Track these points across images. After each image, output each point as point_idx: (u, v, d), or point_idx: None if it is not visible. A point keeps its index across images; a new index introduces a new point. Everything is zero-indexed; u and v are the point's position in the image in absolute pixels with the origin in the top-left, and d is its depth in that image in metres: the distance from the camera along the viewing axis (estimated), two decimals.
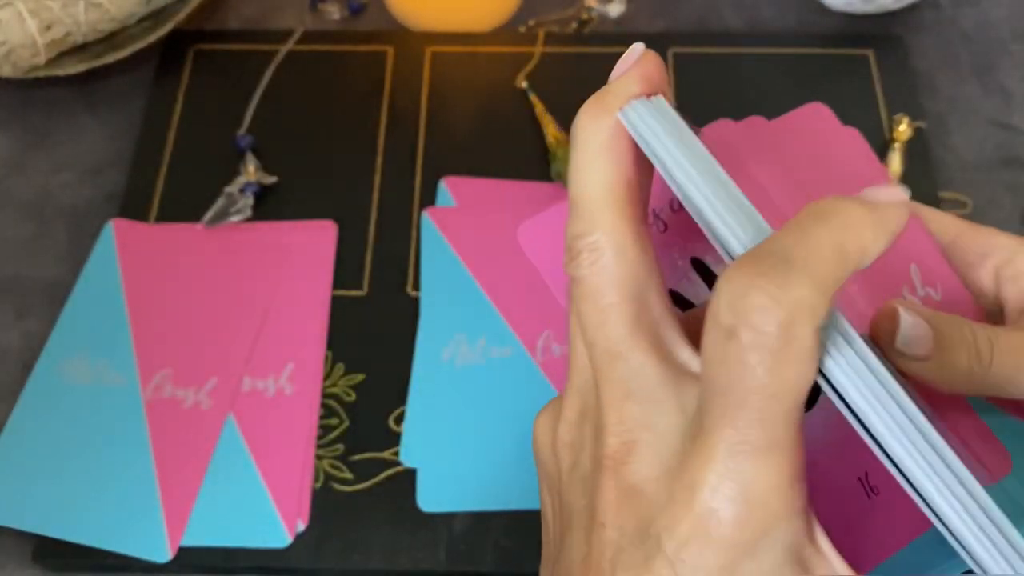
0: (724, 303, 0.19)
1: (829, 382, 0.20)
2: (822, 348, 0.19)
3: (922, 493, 0.19)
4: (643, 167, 0.23)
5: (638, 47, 0.24)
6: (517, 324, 0.45)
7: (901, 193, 0.21)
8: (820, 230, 0.19)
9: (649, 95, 0.23)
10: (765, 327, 0.18)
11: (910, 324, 0.22)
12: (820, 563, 0.21)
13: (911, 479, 0.19)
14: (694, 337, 0.21)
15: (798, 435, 0.20)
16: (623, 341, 0.21)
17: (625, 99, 0.23)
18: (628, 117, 0.22)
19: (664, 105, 0.22)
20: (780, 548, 0.20)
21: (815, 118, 0.30)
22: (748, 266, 0.19)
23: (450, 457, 0.42)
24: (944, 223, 0.28)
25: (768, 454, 0.19)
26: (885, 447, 0.19)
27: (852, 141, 0.30)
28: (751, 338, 0.18)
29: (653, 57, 0.24)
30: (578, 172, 0.22)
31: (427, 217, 0.48)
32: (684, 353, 0.22)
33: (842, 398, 0.20)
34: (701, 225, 0.21)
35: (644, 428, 0.21)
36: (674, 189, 0.21)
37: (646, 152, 0.22)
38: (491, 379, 0.44)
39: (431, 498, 0.41)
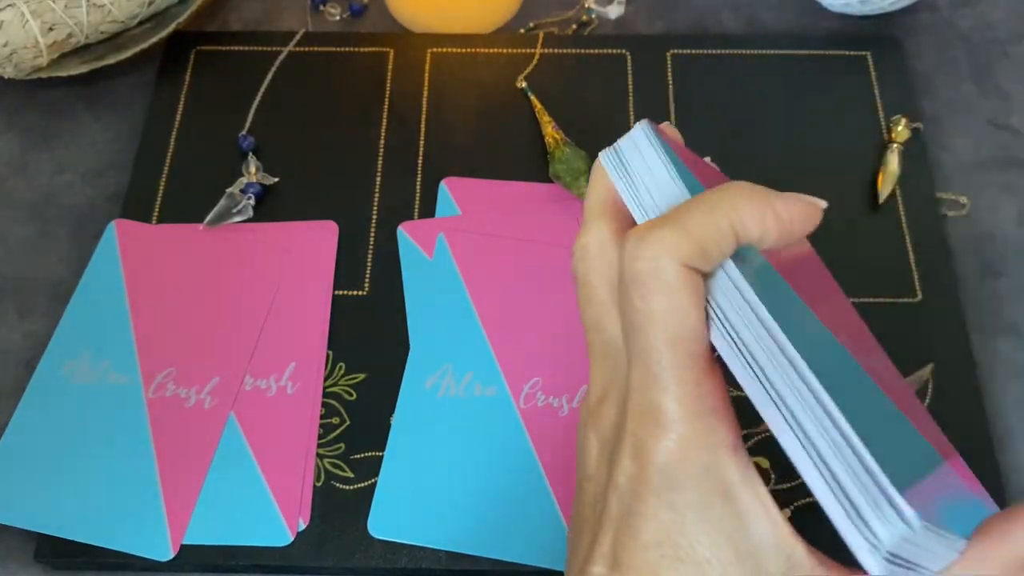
0: (622, 251, 0.24)
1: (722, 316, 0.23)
2: (702, 291, 0.23)
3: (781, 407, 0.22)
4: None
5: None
6: (507, 365, 0.44)
7: (811, 200, 0.25)
8: (705, 197, 0.24)
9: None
10: (636, 263, 0.23)
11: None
12: (751, 500, 0.22)
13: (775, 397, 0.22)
14: None
15: (703, 368, 0.23)
16: (602, 315, 0.26)
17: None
18: (602, 158, 0.28)
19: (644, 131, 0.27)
20: (704, 478, 0.22)
21: None
22: (643, 224, 0.24)
23: (408, 486, 0.41)
24: None
25: (668, 384, 0.23)
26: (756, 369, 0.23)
27: None
28: (628, 275, 0.23)
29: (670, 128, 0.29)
30: (585, 198, 0.28)
31: (403, 232, 0.48)
32: None
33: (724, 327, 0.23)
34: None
35: (612, 384, 0.26)
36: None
37: (616, 183, 0.27)
38: (467, 416, 0.43)
39: (381, 523, 0.40)
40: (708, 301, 0.23)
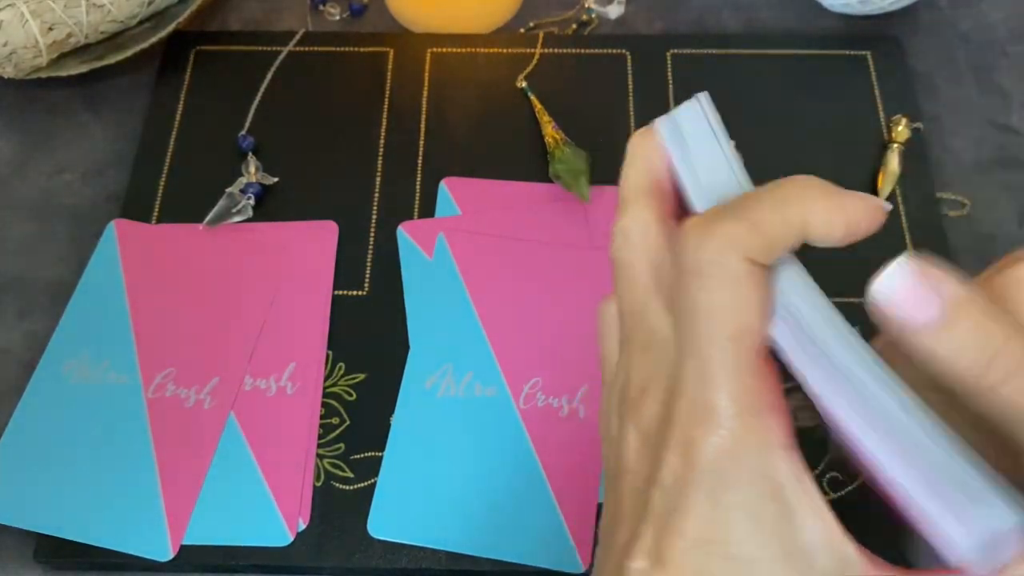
0: (680, 242, 0.23)
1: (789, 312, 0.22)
2: (767, 286, 0.22)
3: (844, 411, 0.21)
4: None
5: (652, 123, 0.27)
6: (507, 365, 0.44)
7: (878, 201, 0.24)
8: (773, 188, 0.23)
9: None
10: (700, 254, 0.22)
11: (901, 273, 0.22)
12: (801, 502, 0.22)
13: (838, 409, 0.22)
14: None
15: (760, 366, 0.22)
16: (645, 301, 0.25)
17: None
18: (662, 123, 0.26)
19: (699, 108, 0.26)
20: (754, 478, 0.22)
21: None
22: (705, 214, 0.23)
23: (408, 486, 0.41)
24: None
25: (724, 382, 0.22)
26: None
27: None
28: (690, 267, 0.22)
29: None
30: (622, 179, 0.27)
31: (403, 232, 0.48)
32: None
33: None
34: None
35: (655, 377, 0.24)
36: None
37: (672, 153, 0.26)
38: (467, 417, 0.42)
39: (380, 524, 0.40)
40: (772, 294, 0.23)
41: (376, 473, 0.42)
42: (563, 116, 0.51)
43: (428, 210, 0.49)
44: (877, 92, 0.52)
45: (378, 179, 0.50)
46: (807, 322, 0.22)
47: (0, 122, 0.54)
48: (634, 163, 0.26)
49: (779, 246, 0.22)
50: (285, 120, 0.52)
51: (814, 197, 0.23)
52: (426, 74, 0.54)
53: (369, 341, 0.45)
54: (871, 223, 0.23)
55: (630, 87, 0.53)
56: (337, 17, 0.57)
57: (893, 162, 0.49)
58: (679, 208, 0.26)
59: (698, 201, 0.25)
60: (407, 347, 0.45)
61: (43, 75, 0.52)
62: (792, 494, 0.22)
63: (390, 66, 0.54)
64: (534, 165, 0.50)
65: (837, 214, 0.23)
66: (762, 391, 0.22)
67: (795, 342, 0.22)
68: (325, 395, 0.44)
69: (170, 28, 0.53)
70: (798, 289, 0.23)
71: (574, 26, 0.57)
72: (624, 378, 0.26)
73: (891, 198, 0.48)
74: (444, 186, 0.50)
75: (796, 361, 0.22)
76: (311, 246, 0.48)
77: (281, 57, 0.54)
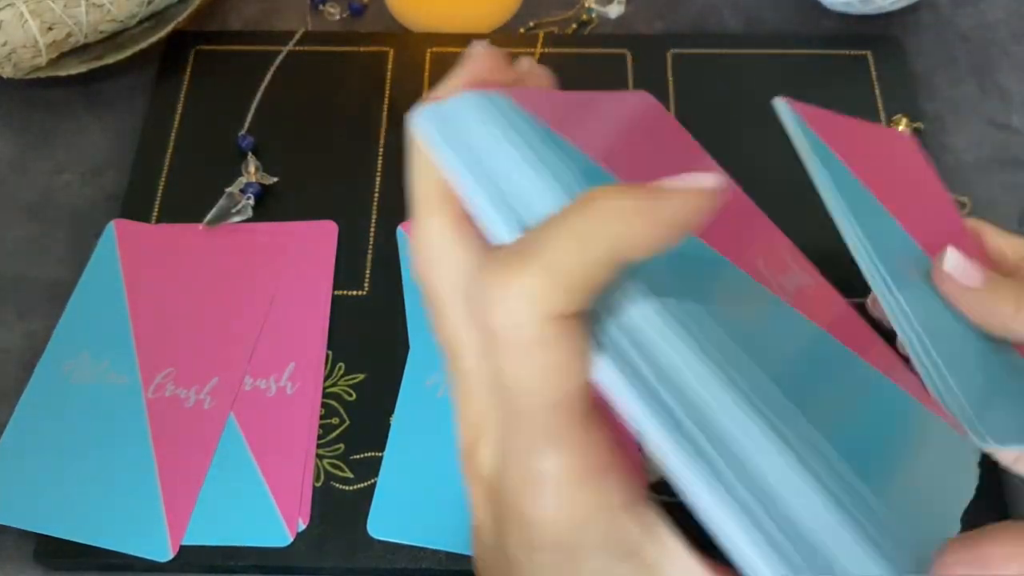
0: (480, 297, 0.19)
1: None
2: (584, 337, 0.19)
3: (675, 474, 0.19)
4: None
5: (476, 46, 0.24)
6: None
7: (704, 180, 0.20)
8: (569, 221, 0.19)
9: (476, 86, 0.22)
10: (502, 319, 0.18)
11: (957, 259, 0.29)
12: (659, 553, 0.20)
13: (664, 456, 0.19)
14: None
15: (585, 426, 0.20)
16: (459, 336, 0.22)
17: (447, 94, 0.23)
18: (419, 123, 0.22)
19: (455, 103, 0.21)
20: (604, 544, 0.20)
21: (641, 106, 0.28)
22: (494, 258, 0.19)
23: (408, 486, 0.41)
24: (1010, 240, 0.32)
25: (555, 450, 0.19)
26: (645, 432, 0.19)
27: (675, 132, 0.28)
28: (496, 332, 0.19)
29: (486, 54, 0.23)
30: (410, 176, 0.22)
31: (403, 232, 0.48)
32: None
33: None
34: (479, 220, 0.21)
35: (482, 423, 0.22)
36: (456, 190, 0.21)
37: (436, 158, 0.21)
38: None
39: (380, 524, 0.40)
40: (593, 337, 0.19)
41: (376, 473, 0.42)
42: None
43: None
44: (877, 92, 0.52)
45: (378, 179, 0.50)
46: (640, 366, 0.19)
47: None
48: (418, 161, 0.22)
49: (590, 290, 0.19)
50: (285, 120, 0.52)
51: (624, 219, 0.19)
52: (426, 74, 0.54)
53: (369, 341, 0.45)
54: (703, 212, 0.19)
55: (630, 87, 0.53)
56: (337, 17, 0.57)
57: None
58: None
59: (490, 221, 0.20)
60: (407, 347, 0.44)
61: (42, 75, 0.52)
62: (646, 547, 0.20)
63: (390, 66, 0.54)
64: None
65: (657, 228, 0.19)
66: (594, 452, 0.20)
67: (627, 390, 0.19)
68: (325, 395, 0.44)
69: (170, 28, 0.53)
70: (632, 324, 0.19)
71: (574, 26, 0.57)
72: (458, 427, 0.23)
73: None
74: None
75: (629, 412, 0.19)
76: (311, 246, 0.48)
77: (281, 57, 0.54)
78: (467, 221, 0.22)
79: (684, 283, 0.20)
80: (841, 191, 0.28)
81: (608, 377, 0.19)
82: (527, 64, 0.25)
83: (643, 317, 0.19)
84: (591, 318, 0.19)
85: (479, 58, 0.23)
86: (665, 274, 0.20)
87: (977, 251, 0.32)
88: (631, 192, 0.19)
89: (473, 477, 0.22)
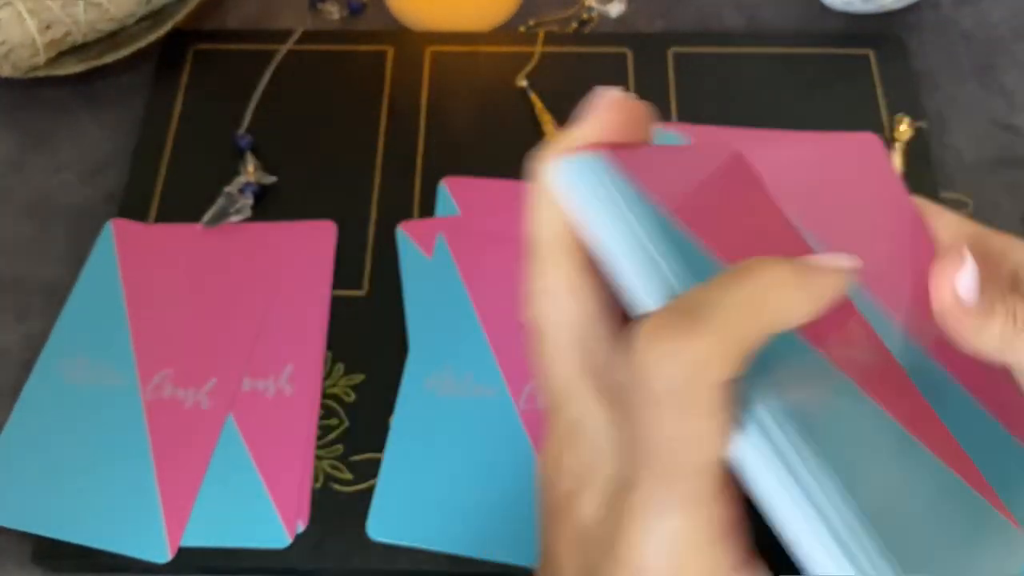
0: (634, 356, 0.19)
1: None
2: (738, 403, 0.19)
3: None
4: None
5: (611, 93, 0.23)
6: (507, 366, 0.43)
7: (844, 261, 0.21)
8: (736, 287, 0.19)
9: (606, 145, 0.22)
10: (667, 381, 0.19)
11: (971, 271, 0.24)
12: None
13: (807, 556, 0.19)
14: None
15: (720, 491, 0.20)
16: (572, 384, 0.22)
17: (576, 146, 0.23)
18: (558, 172, 0.22)
19: (599, 163, 0.21)
20: None
21: (865, 147, 0.29)
22: (658, 319, 0.19)
23: (407, 488, 0.41)
24: (956, 226, 0.28)
25: (688, 510, 0.20)
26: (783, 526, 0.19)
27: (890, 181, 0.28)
28: (657, 391, 0.19)
29: (622, 105, 0.23)
30: (532, 216, 0.23)
31: (402, 232, 0.48)
32: None
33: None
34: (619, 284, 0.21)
35: (589, 471, 0.22)
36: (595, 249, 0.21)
37: (571, 211, 0.21)
38: (467, 417, 0.42)
39: (380, 525, 0.40)
40: (739, 412, 0.20)
41: (375, 474, 0.41)
42: (563, 115, 0.51)
43: (427, 210, 0.49)
44: (879, 91, 0.52)
45: (377, 178, 0.50)
46: (782, 443, 0.19)
47: None
48: (544, 205, 0.22)
49: (747, 358, 0.19)
50: (284, 119, 0.52)
51: (785, 289, 0.20)
52: (426, 73, 0.54)
53: (368, 341, 0.45)
54: (838, 292, 0.21)
55: (631, 86, 0.53)
56: (336, 15, 0.57)
57: (895, 161, 0.49)
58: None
59: (634, 279, 0.20)
60: (406, 347, 0.44)
61: (41, 74, 0.52)
62: None
63: (389, 65, 0.54)
64: None
65: (811, 303, 0.20)
66: (722, 517, 0.20)
67: (761, 464, 0.19)
68: (324, 396, 0.43)
69: (168, 27, 0.53)
70: (771, 398, 0.19)
71: (575, 24, 0.56)
72: (550, 459, 0.23)
73: None
74: (443, 186, 0.49)
75: (760, 486, 0.19)
76: (310, 246, 0.48)
77: (280, 56, 0.54)
78: (593, 272, 0.22)
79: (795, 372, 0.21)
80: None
81: (749, 451, 0.19)
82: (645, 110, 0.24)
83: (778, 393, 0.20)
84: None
85: (615, 109, 0.23)
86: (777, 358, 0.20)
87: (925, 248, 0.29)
88: (789, 264, 0.20)
89: (564, 523, 0.22)
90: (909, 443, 0.22)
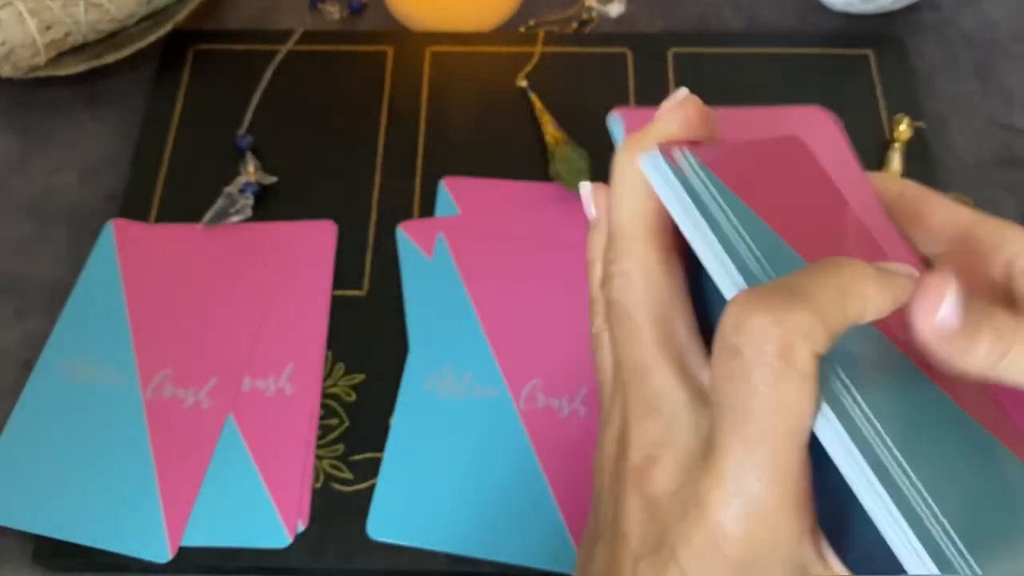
0: (730, 324, 0.21)
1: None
2: (822, 380, 0.21)
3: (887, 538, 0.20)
4: None
5: (682, 91, 0.26)
6: (507, 366, 0.43)
7: (912, 269, 0.23)
8: (829, 275, 0.21)
9: (685, 140, 0.24)
10: (766, 345, 0.20)
11: (953, 302, 0.23)
12: (824, 572, 0.21)
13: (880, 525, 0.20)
14: None
15: (804, 459, 0.21)
16: (649, 360, 0.23)
17: (659, 140, 0.24)
18: (648, 164, 0.24)
19: (688, 157, 0.23)
20: (786, 566, 0.21)
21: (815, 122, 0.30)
22: (755, 293, 0.21)
23: (408, 487, 0.41)
24: (949, 212, 0.29)
25: (773, 475, 0.21)
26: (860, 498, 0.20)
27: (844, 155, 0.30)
28: (753, 356, 0.20)
29: (695, 103, 0.25)
30: (614, 204, 0.24)
31: (402, 232, 0.48)
32: (706, 376, 0.23)
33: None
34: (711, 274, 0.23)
35: (664, 445, 0.23)
36: (686, 237, 0.23)
37: (663, 200, 0.23)
38: (467, 417, 0.42)
39: (380, 525, 0.40)
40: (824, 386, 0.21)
41: (375, 474, 0.41)
42: (563, 115, 0.51)
43: (428, 210, 0.49)
44: (879, 91, 0.52)
45: (377, 178, 0.50)
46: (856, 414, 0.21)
47: None
48: (629, 189, 0.24)
49: (836, 339, 0.21)
50: (284, 119, 0.52)
51: (868, 283, 0.21)
52: (425, 73, 0.54)
53: (368, 341, 0.45)
54: (909, 296, 0.22)
55: (631, 86, 0.53)
56: (336, 15, 0.57)
57: (895, 161, 0.49)
58: (678, 240, 0.24)
59: (721, 267, 0.22)
60: (407, 347, 0.44)
61: (41, 74, 0.52)
62: (816, 567, 0.22)
63: (389, 65, 0.54)
64: (534, 164, 0.50)
65: (888, 302, 0.22)
66: (802, 484, 0.21)
67: (835, 439, 0.21)
68: (324, 396, 0.44)
69: (168, 27, 0.53)
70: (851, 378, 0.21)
71: (575, 24, 0.56)
72: (619, 434, 0.24)
73: None
74: (443, 185, 0.49)
75: (839, 461, 0.21)
76: (310, 246, 0.48)
77: (280, 56, 0.54)
78: (677, 256, 0.24)
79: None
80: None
81: (828, 427, 0.21)
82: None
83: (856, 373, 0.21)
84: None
85: (691, 107, 0.25)
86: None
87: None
88: (872, 265, 0.22)
89: (631, 495, 0.23)
90: (972, 425, 0.23)
